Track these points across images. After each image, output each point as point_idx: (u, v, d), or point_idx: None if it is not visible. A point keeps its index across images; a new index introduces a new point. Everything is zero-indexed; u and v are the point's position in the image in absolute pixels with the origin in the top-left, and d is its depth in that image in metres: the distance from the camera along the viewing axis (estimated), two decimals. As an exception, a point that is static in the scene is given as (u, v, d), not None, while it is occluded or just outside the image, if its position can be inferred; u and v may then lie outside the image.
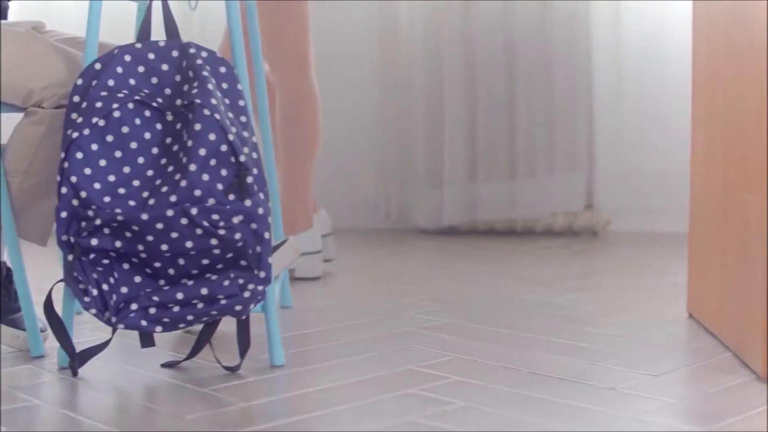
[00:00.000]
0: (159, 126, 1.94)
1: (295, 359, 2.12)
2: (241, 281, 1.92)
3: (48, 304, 1.98)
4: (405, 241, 3.88)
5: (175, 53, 1.97)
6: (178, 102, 1.95)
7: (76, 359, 1.97)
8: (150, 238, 1.87)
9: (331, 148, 4.28)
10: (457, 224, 4.04)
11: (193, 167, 1.87)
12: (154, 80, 1.96)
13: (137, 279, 1.93)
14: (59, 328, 1.97)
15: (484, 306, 2.65)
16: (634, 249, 3.61)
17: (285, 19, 3.03)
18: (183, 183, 1.86)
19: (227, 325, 2.45)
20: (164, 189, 1.88)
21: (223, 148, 1.89)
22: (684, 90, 3.90)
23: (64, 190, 1.89)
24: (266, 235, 1.93)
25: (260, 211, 1.91)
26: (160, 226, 1.86)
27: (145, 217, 1.85)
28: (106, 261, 1.91)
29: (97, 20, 2.00)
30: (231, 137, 1.90)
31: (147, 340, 2.01)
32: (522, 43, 3.95)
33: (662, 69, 3.91)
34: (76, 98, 1.95)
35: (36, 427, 1.67)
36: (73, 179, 1.88)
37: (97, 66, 1.96)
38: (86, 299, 1.89)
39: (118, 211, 1.87)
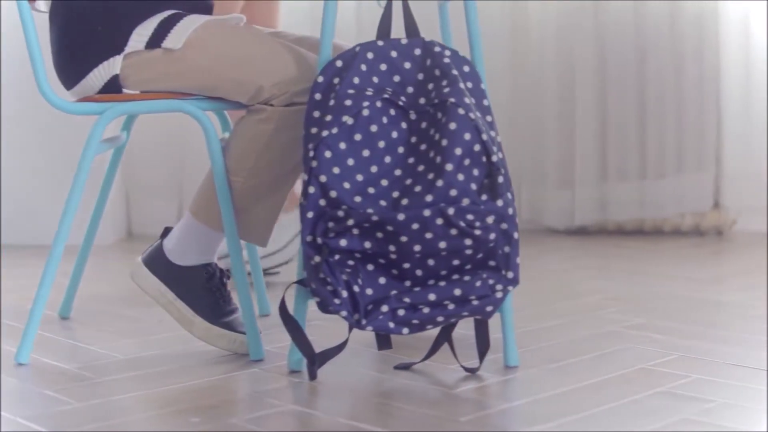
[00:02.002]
0: (404, 125, 1.90)
1: (525, 360, 2.06)
2: (491, 282, 1.87)
3: (283, 308, 1.93)
4: (540, 241, 3.84)
5: (417, 51, 1.93)
6: (422, 101, 1.90)
7: (315, 362, 1.92)
8: (404, 238, 1.82)
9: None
10: (588, 224, 3.99)
11: (449, 167, 1.82)
12: (397, 78, 1.92)
13: (382, 280, 1.88)
14: (297, 332, 1.93)
15: (670, 305, 2.61)
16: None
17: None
18: (439, 183, 1.82)
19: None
20: (417, 189, 1.83)
21: (476, 147, 1.84)
22: (813, 89, 3.85)
23: (311, 189, 1.84)
24: (515, 235, 1.88)
25: (510, 211, 1.87)
26: (415, 226, 1.81)
27: (401, 217, 1.80)
28: (351, 262, 1.86)
29: (333, 19, 1.95)
30: (484, 137, 1.85)
31: (384, 343, 1.96)
32: (652, 43, 3.90)
33: (791, 68, 3.86)
34: (318, 96, 1.90)
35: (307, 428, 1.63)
36: (323, 178, 1.83)
37: (339, 63, 1.91)
38: (336, 301, 1.84)
39: (370, 211, 1.82)
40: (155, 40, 2.04)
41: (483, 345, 1.96)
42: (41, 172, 3.84)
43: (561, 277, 3.05)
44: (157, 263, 2.11)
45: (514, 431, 1.62)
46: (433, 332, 2.05)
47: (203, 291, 2.09)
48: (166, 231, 2.14)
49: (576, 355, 2.11)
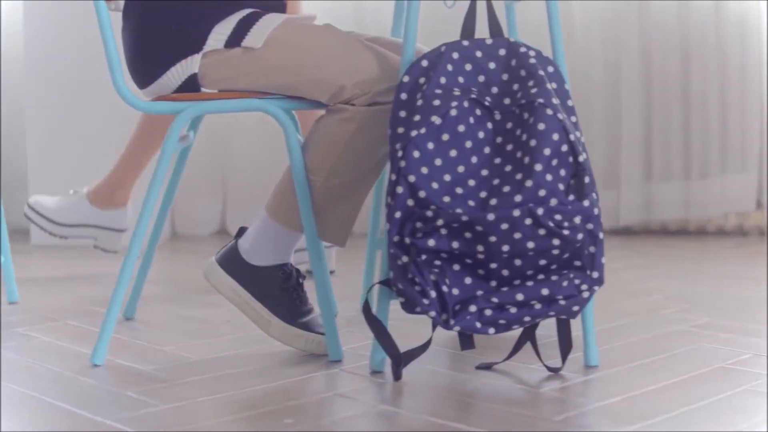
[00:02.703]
0: (489, 125, 1.90)
1: (603, 360, 2.07)
2: (576, 282, 1.87)
3: (367, 309, 1.93)
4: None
5: (502, 51, 1.93)
6: (507, 101, 1.90)
7: (401, 363, 1.92)
8: (493, 238, 1.82)
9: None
10: (632, 224, 4.00)
11: (538, 167, 1.82)
12: (481, 78, 1.92)
13: (468, 280, 1.88)
14: (381, 332, 1.93)
15: (729, 305, 2.61)
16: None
17: None
18: (528, 183, 1.82)
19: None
20: (506, 189, 1.84)
21: (564, 148, 1.85)
22: None
23: (399, 189, 1.84)
24: (600, 235, 1.88)
25: (595, 211, 1.88)
26: (505, 226, 1.81)
27: (491, 217, 1.81)
28: (437, 262, 1.86)
29: (416, 18, 1.95)
30: (572, 137, 1.85)
31: (468, 343, 1.96)
32: (696, 43, 3.90)
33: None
34: (404, 95, 1.90)
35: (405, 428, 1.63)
36: (411, 178, 1.83)
37: (424, 63, 1.91)
38: (425, 301, 1.84)
39: (459, 211, 1.82)
40: (235, 39, 2.04)
41: (566, 345, 1.96)
42: (77, 170, 3.85)
43: (615, 278, 3.05)
44: (233, 263, 2.10)
45: (612, 431, 1.62)
46: (510, 332, 2.04)
47: (280, 291, 2.09)
48: (241, 230, 2.14)
49: (651, 354, 2.11)
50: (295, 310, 2.10)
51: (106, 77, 3.75)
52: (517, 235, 1.82)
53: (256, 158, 4.10)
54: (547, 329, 2.26)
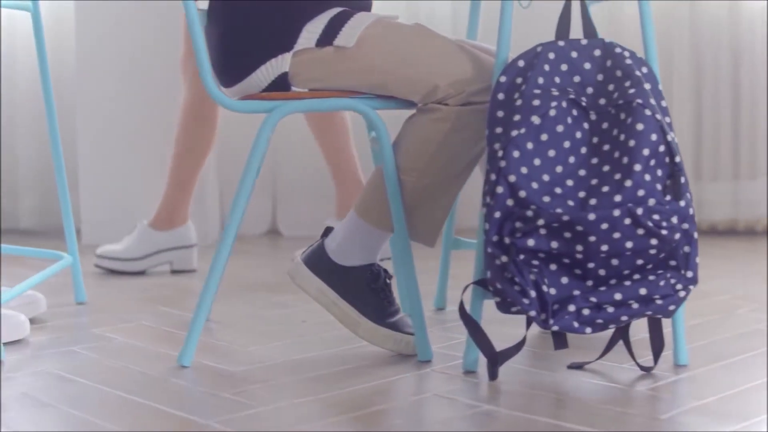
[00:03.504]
0: (586, 125, 1.92)
1: (691, 358, 2.09)
2: (672, 281, 1.89)
3: (463, 309, 1.95)
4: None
5: (597, 52, 1.95)
6: (602, 101, 1.92)
7: (497, 363, 1.93)
8: (592, 238, 1.84)
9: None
10: (682, 224, 4.01)
11: (637, 167, 1.84)
12: (577, 79, 1.94)
13: (564, 280, 1.90)
14: (477, 332, 1.95)
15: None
16: None
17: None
18: (627, 183, 1.84)
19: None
20: (605, 189, 1.85)
21: (661, 148, 1.87)
22: None
23: (500, 189, 1.86)
24: (695, 234, 1.90)
25: (690, 211, 1.90)
26: (604, 226, 1.83)
27: (591, 217, 1.82)
28: (535, 262, 1.88)
29: (510, 18, 1.97)
30: (669, 138, 1.87)
31: (561, 342, 1.97)
32: (746, 44, 3.93)
33: None
34: (501, 95, 1.92)
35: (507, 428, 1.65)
36: (512, 179, 1.85)
37: (521, 63, 1.93)
38: (525, 301, 1.86)
39: (560, 211, 1.84)
40: (326, 38, 2.06)
41: (658, 344, 1.98)
42: (127, 170, 3.87)
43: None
44: (319, 263, 2.12)
45: (717, 431, 1.63)
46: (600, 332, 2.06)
47: (368, 291, 2.11)
48: (327, 230, 2.16)
49: (738, 353, 2.14)
50: (383, 310, 2.11)
51: (156, 76, 3.77)
52: (616, 235, 1.84)
53: (305, 157, 4.13)
54: (632, 328, 2.27)
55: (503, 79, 1.93)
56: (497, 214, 1.87)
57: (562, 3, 1.97)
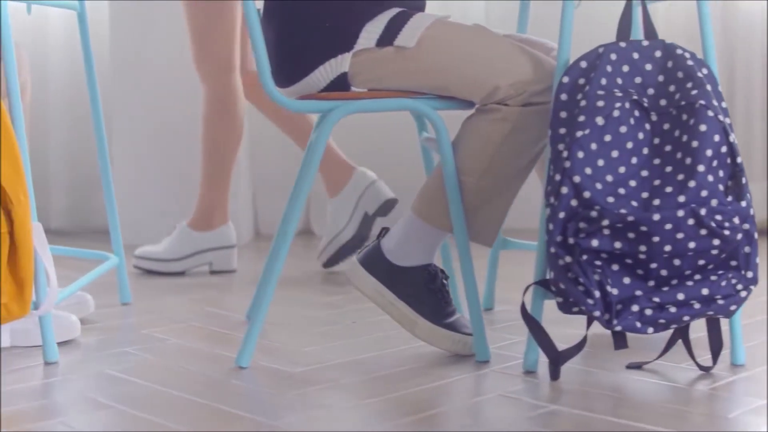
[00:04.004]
0: (647, 126, 1.94)
1: (748, 358, 2.11)
2: (733, 281, 1.91)
3: (525, 310, 1.97)
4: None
5: (658, 53, 1.97)
6: (662, 102, 1.94)
7: (559, 363, 1.95)
8: (656, 239, 1.86)
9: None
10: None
11: (701, 168, 1.87)
12: (638, 80, 1.96)
13: (626, 280, 1.92)
14: (539, 333, 1.97)
15: None
16: None
17: (214, 19, 3.16)
18: (691, 183, 1.86)
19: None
20: (668, 189, 1.87)
21: (723, 149, 1.90)
22: None
23: (564, 190, 1.88)
24: (755, 235, 1.92)
25: (751, 211, 1.92)
26: (668, 227, 1.85)
27: (656, 218, 1.85)
28: (598, 262, 1.90)
29: (571, 18, 1.99)
30: (731, 139, 1.89)
31: (622, 342, 1.99)
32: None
33: None
34: (564, 96, 1.94)
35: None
36: (576, 179, 1.87)
37: (583, 64, 1.95)
38: (590, 301, 1.88)
39: (624, 211, 1.86)
40: (387, 38, 2.08)
41: (717, 343, 2.01)
42: (160, 170, 3.89)
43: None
44: (376, 264, 2.14)
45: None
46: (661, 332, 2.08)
47: (425, 292, 2.13)
48: (383, 231, 2.18)
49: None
50: (440, 310, 2.13)
51: (190, 75, 3.79)
52: (680, 236, 1.86)
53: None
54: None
55: (566, 79, 1.95)
56: (561, 215, 1.89)
57: (608, 3, 1.98)
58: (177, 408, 1.81)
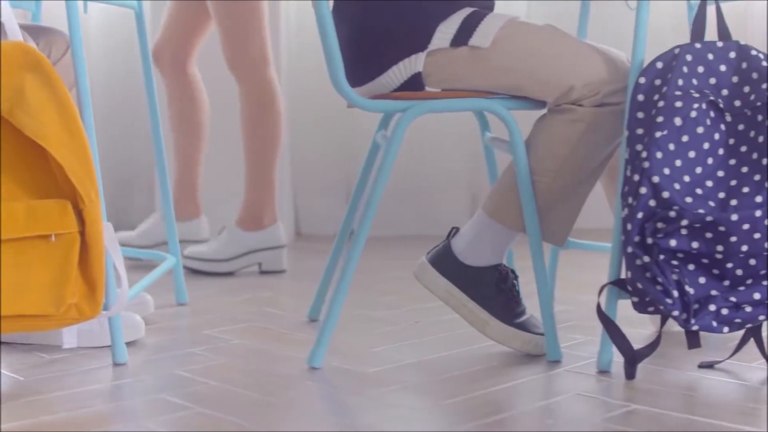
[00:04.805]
0: (722, 127, 1.98)
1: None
2: (809, 281, 1.94)
3: (601, 310, 2.00)
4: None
5: (732, 54, 2.00)
6: (737, 103, 1.98)
7: (636, 363, 1.98)
8: (733, 239, 1.89)
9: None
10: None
11: (777, 168, 1.89)
12: (712, 81, 1.99)
13: (702, 280, 1.95)
14: (616, 333, 2.00)
15: None
16: None
17: (248, 17, 3.22)
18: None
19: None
20: (745, 190, 1.91)
21: (799, 150, 1.92)
22: None
23: (643, 190, 1.91)
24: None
25: (824, 212, 1.95)
26: (746, 227, 1.89)
27: (734, 218, 1.88)
28: (675, 262, 1.93)
29: (646, 19, 2.03)
30: (808, 138, 1.92)
31: (695, 341, 2.02)
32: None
33: None
34: (641, 97, 1.97)
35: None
36: (655, 179, 1.91)
37: (659, 65, 1.99)
38: (668, 301, 1.91)
39: (702, 211, 1.89)
40: (461, 38, 2.11)
41: (788, 344, 2.03)
42: (211, 168, 3.92)
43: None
44: (446, 264, 2.17)
45: None
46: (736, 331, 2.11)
47: (496, 292, 2.16)
48: (453, 231, 2.20)
49: None
50: (510, 310, 2.16)
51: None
52: (757, 236, 1.89)
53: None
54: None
55: (642, 80, 1.98)
56: (639, 215, 1.92)
57: (662, 3, 2.01)
58: (253, 409, 1.84)
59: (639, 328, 2.42)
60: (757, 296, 1.93)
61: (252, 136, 3.27)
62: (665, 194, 1.91)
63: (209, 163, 3.88)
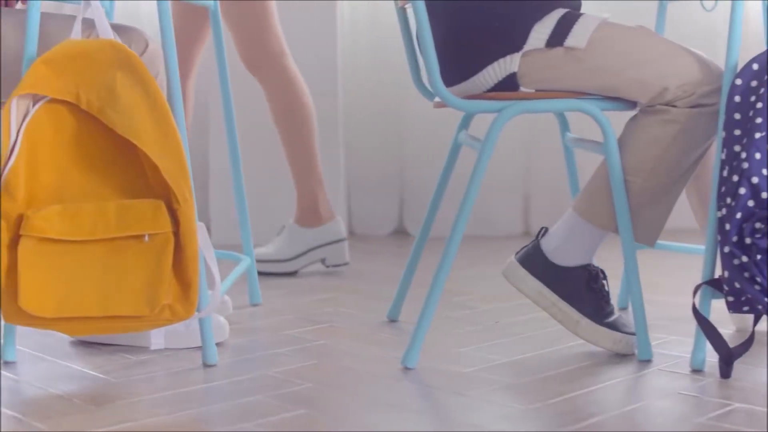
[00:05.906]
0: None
1: None
2: None
3: (696, 310, 2.05)
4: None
5: (818, 55, 2.04)
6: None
7: (732, 362, 2.03)
8: (829, 238, 1.94)
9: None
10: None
11: None
12: (805, 81, 2.03)
13: (792, 279, 2.00)
14: (712, 332, 2.04)
15: None
16: None
17: (259, 14, 3.26)
18: None
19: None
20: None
21: None
22: None
23: (742, 190, 1.96)
24: None
25: None
26: None
27: (829, 217, 1.93)
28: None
29: (740, 19, 2.08)
30: None
31: None
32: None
33: None
34: (737, 98, 2.03)
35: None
36: (754, 180, 1.96)
37: (755, 66, 2.04)
38: (767, 300, 1.95)
39: (799, 212, 1.94)
40: (556, 39, 2.16)
41: None
42: (256, 167, 3.96)
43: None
44: (536, 264, 2.22)
45: None
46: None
47: (587, 291, 2.21)
48: (543, 231, 2.25)
49: None
50: (601, 309, 2.22)
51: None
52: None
53: (431, 157, 4.23)
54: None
55: (739, 81, 2.03)
56: (738, 215, 1.98)
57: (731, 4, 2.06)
58: (354, 409, 1.88)
59: (721, 327, 2.47)
60: None
61: (288, 129, 3.31)
62: (764, 194, 1.96)
63: (256, 169, 3.94)
